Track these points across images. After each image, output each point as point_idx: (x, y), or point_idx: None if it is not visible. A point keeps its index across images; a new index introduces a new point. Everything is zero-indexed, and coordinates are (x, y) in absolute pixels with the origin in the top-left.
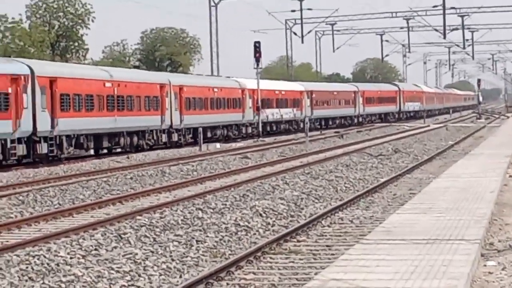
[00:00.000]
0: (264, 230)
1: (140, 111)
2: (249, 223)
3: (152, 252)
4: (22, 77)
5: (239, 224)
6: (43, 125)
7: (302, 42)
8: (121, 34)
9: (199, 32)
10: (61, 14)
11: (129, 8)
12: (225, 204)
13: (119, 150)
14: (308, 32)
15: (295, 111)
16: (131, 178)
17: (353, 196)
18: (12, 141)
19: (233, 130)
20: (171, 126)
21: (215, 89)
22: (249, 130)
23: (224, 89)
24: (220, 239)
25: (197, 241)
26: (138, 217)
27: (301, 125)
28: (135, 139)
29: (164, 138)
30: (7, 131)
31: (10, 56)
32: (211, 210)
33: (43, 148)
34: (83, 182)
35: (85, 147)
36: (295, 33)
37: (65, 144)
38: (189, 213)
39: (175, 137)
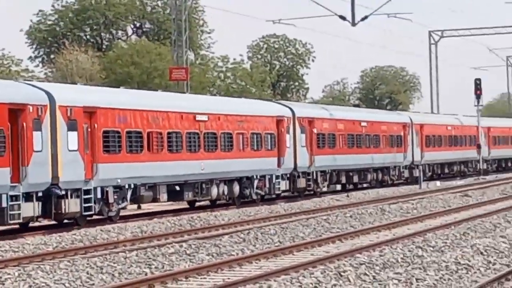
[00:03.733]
0: (485, 268)
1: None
2: (469, 261)
3: None
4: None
5: (459, 263)
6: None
7: None
8: (341, 73)
9: (419, 70)
10: (281, 54)
11: (348, 47)
12: (445, 242)
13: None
14: None
15: None
16: (351, 216)
17: None
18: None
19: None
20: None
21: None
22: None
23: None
24: (440, 278)
25: (417, 279)
26: (358, 255)
27: None
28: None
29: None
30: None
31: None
32: (431, 248)
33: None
34: (303, 220)
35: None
36: None
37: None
38: (409, 251)
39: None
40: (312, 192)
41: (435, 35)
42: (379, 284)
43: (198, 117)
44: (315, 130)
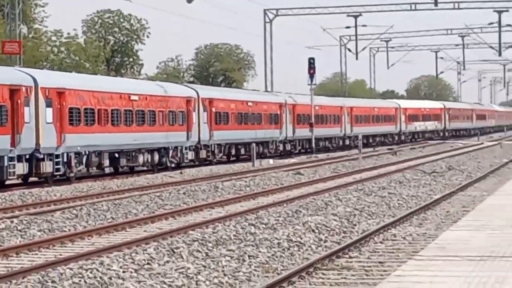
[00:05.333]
0: (316, 246)
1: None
2: (301, 238)
3: (205, 266)
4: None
5: (291, 240)
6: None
7: (357, 58)
8: (175, 50)
9: (254, 48)
10: (116, 29)
11: (183, 24)
12: (278, 220)
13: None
14: (363, 49)
15: (437, 123)
16: (184, 193)
17: (406, 213)
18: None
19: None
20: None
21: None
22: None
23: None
24: (273, 255)
25: (249, 256)
26: (191, 232)
27: (441, 134)
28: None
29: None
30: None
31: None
32: (264, 226)
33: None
34: (136, 197)
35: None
36: (349, 50)
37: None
38: (242, 228)
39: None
40: (208, 162)
41: (270, 13)
42: (211, 260)
43: (132, 97)
44: (213, 109)
